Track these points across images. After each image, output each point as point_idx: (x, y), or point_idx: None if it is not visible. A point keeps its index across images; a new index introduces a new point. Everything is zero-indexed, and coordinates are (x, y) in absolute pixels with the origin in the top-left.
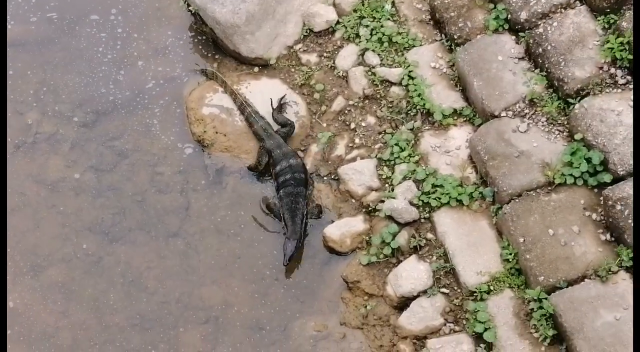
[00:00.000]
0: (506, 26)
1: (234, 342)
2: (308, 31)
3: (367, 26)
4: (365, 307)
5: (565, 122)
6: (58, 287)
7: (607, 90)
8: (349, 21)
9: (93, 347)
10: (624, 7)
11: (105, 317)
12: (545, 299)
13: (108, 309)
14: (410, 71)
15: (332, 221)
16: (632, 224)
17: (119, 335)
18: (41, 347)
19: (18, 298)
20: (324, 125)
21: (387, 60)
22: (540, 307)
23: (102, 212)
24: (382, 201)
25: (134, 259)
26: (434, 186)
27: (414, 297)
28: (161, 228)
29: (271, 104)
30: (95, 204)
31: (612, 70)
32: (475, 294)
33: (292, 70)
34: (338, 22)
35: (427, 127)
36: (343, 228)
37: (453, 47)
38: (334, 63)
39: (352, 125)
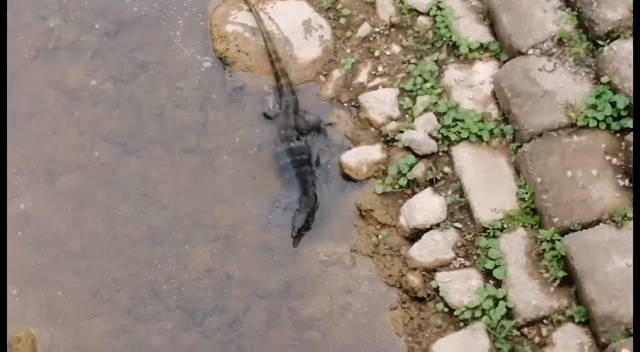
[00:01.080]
0: None
1: (243, 262)
2: None
3: None
4: (377, 236)
5: (593, 65)
6: (71, 195)
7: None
8: None
9: (103, 256)
10: None
11: (116, 228)
12: (558, 240)
13: (120, 220)
14: (439, 2)
15: (350, 148)
16: None
17: (129, 246)
18: (51, 252)
19: (31, 202)
20: (348, 51)
21: None
22: (553, 249)
23: (119, 123)
24: (401, 132)
25: (149, 172)
26: (454, 119)
27: (426, 230)
28: (178, 143)
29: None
30: (113, 115)
31: None
32: (488, 231)
33: None
34: None
35: (452, 60)
36: (360, 156)
37: None
38: None
39: (376, 53)
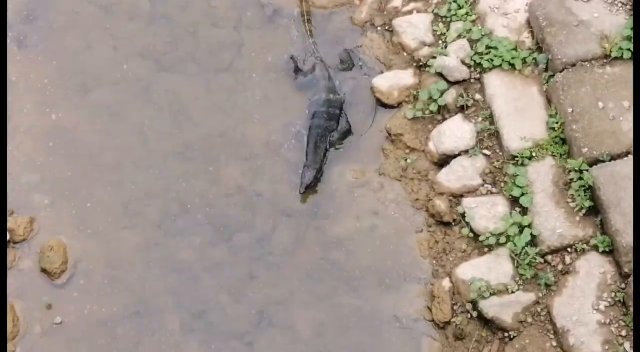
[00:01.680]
0: None
1: (273, 181)
2: None
3: None
4: (406, 160)
5: None
6: (105, 109)
7: None
8: None
9: (134, 170)
10: None
11: (149, 143)
12: (586, 170)
13: (153, 135)
14: None
15: (382, 72)
16: None
17: (161, 161)
18: (84, 165)
19: (63, 114)
20: None
21: None
22: (580, 178)
23: (154, 39)
24: (434, 57)
25: (182, 89)
26: (487, 47)
27: (455, 156)
28: (212, 62)
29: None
30: (147, 31)
31: None
32: (516, 159)
33: None
34: None
35: None
36: (392, 80)
37: None
38: None
39: None
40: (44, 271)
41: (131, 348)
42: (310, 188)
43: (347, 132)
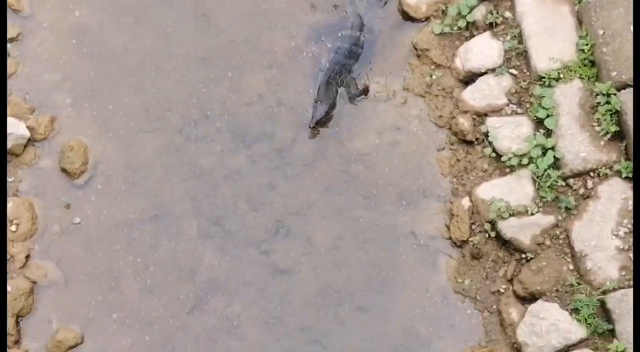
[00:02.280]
0: None
1: (296, 91)
2: None
3: None
4: (431, 76)
5: None
6: (130, 10)
7: None
8: None
9: (157, 73)
10: None
11: (172, 47)
12: (614, 95)
13: (176, 40)
14: None
15: None
16: None
17: (184, 66)
18: (106, 66)
19: (87, 12)
20: None
21: None
22: (607, 102)
23: None
24: None
25: None
26: None
27: (481, 74)
28: None
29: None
30: None
31: None
32: (543, 80)
33: None
34: None
35: None
36: None
37: None
38: None
39: None
40: (63, 170)
41: (148, 251)
42: (320, 123)
43: (365, 91)
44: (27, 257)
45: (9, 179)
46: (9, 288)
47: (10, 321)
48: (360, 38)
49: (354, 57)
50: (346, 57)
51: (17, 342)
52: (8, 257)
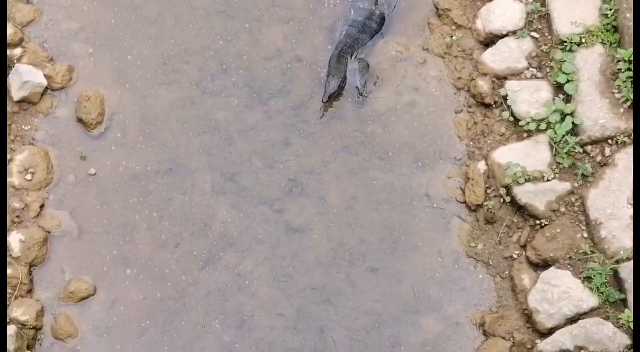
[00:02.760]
0: None
1: (314, 47)
2: None
3: None
4: (451, 36)
5: None
6: None
7: None
8: None
9: (176, 24)
10: None
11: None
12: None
13: None
14: None
15: None
16: None
17: (203, 18)
18: (125, 16)
19: None
20: None
21: None
22: (629, 69)
23: None
24: None
25: None
26: None
27: (502, 36)
28: None
29: None
30: None
31: None
32: (565, 44)
33: None
34: None
35: None
36: None
37: None
38: None
39: None
40: (80, 121)
41: (162, 204)
42: (333, 97)
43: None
44: (42, 206)
45: (25, 127)
46: (22, 237)
47: (23, 270)
48: (375, 12)
49: (367, 31)
50: (359, 31)
51: (29, 291)
52: (22, 206)
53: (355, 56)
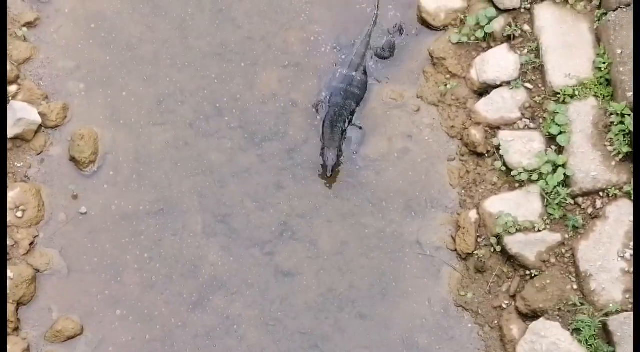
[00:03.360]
0: None
1: (310, 92)
2: None
3: None
4: (446, 85)
5: None
6: (148, 1)
7: None
8: None
9: (172, 66)
10: None
11: (189, 40)
12: (629, 115)
13: (193, 33)
14: None
15: None
16: None
17: (199, 60)
18: (121, 54)
19: (107, 2)
20: None
21: None
22: (621, 123)
23: None
24: None
25: None
26: None
27: (496, 86)
28: None
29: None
30: None
31: None
32: (558, 96)
33: None
34: None
35: None
36: (440, 2)
37: None
38: None
39: None
40: (73, 159)
41: (152, 245)
42: (335, 168)
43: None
44: (32, 244)
45: (17, 164)
46: (10, 274)
47: (10, 308)
48: (355, 78)
49: (350, 98)
50: (344, 98)
51: (16, 329)
52: (12, 243)
53: (350, 122)
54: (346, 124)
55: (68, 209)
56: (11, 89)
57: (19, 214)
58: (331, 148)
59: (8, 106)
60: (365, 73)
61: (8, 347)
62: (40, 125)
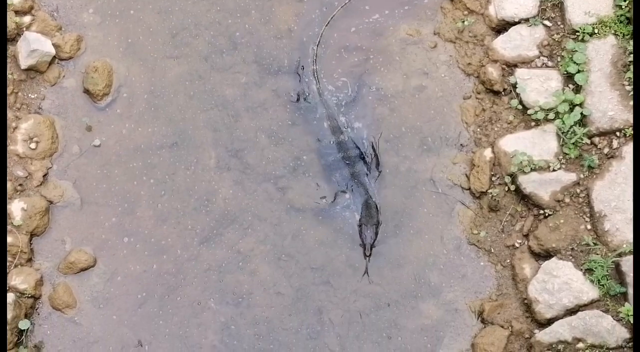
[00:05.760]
0: None
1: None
2: None
3: None
4: (463, 22)
5: None
6: None
7: None
8: None
9: None
10: None
11: None
12: None
13: None
14: None
15: None
16: None
17: None
18: None
19: None
20: None
21: None
22: None
23: None
24: None
25: None
26: None
27: (514, 23)
28: None
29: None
30: None
31: None
32: (577, 34)
33: None
34: None
35: None
36: None
37: None
38: None
39: None
40: (86, 91)
41: (165, 178)
42: (374, 246)
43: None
44: (45, 176)
45: (31, 96)
46: (24, 205)
47: (23, 239)
48: (343, 140)
49: (356, 160)
50: (351, 166)
51: (29, 260)
52: (26, 175)
53: (369, 171)
54: (368, 178)
55: (82, 141)
56: (25, 19)
57: (33, 145)
58: (369, 225)
59: (22, 37)
60: (342, 131)
61: (21, 277)
62: (54, 57)
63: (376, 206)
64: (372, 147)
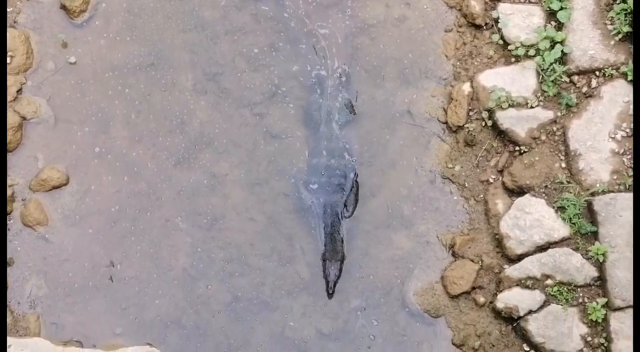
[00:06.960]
0: None
1: None
2: None
3: None
4: None
5: None
6: None
7: None
8: None
9: None
10: None
11: None
12: None
13: None
14: None
15: None
16: None
17: None
18: None
19: None
20: None
21: None
22: (624, 1)
23: None
24: None
25: None
26: None
27: None
28: None
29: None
30: None
31: None
32: None
33: None
34: None
35: None
36: None
37: None
38: None
39: None
40: (63, 7)
41: (141, 99)
42: (337, 283)
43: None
44: (19, 91)
45: (7, 9)
46: None
47: None
48: (335, 165)
49: (337, 191)
50: (330, 193)
51: None
52: None
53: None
54: (340, 216)
55: (57, 58)
56: None
57: (7, 60)
58: (333, 261)
59: None
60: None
61: None
62: None
63: (342, 240)
64: (355, 187)
